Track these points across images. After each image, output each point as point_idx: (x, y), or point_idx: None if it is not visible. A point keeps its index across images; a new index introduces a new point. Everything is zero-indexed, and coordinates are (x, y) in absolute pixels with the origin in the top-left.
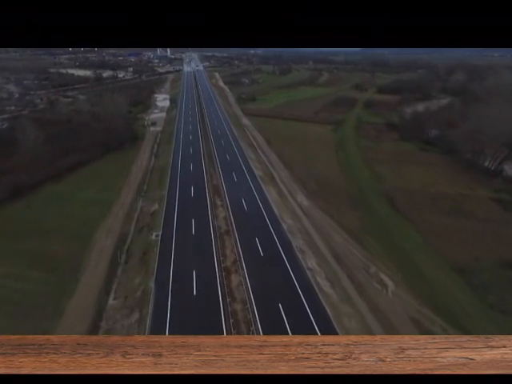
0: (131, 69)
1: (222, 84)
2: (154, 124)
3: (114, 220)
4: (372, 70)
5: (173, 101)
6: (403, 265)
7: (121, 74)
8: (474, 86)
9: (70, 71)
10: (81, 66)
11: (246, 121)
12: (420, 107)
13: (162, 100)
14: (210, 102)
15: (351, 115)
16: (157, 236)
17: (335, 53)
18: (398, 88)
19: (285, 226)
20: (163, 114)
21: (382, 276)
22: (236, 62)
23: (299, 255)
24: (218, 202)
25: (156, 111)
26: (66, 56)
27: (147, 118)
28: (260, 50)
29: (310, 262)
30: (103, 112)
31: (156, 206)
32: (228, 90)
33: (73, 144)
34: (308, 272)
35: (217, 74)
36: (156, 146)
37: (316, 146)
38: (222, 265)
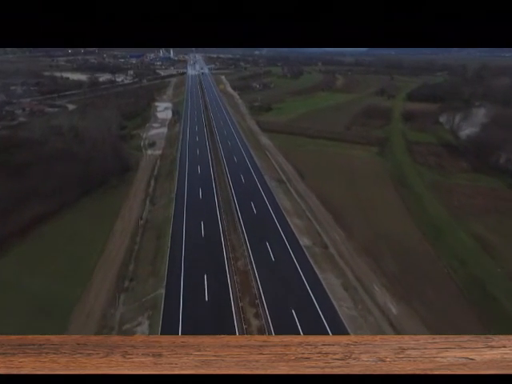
0: (131, 72)
1: (230, 89)
2: (152, 145)
3: None
4: (388, 73)
5: (176, 112)
6: None
7: (120, 78)
8: None
9: (65, 75)
10: (78, 69)
11: (265, 139)
12: (471, 120)
13: (164, 110)
14: (219, 113)
15: (393, 131)
16: None
17: (342, 53)
18: (430, 94)
19: None
20: (164, 130)
21: None
22: (242, 63)
23: None
24: (253, 321)
25: (156, 125)
26: (65, 58)
27: (144, 136)
28: (265, 51)
29: None
30: (89, 130)
31: (145, 326)
32: (238, 97)
33: (39, 182)
34: None
35: (223, 77)
36: (153, 182)
37: (366, 179)
38: None
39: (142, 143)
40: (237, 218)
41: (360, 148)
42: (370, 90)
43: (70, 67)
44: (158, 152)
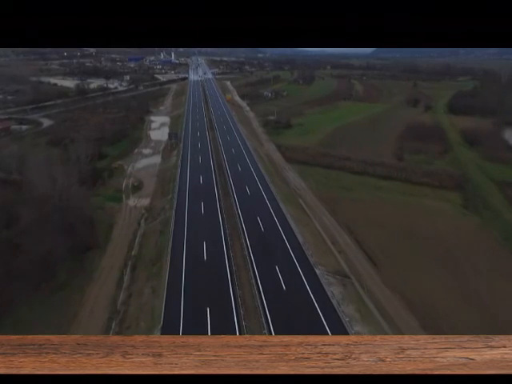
0: (128, 77)
1: (237, 98)
2: (137, 189)
3: None
4: (406, 78)
5: (173, 135)
6: None
7: (113, 84)
8: None
9: (54, 80)
10: (71, 74)
11: (294, 177)
12: None
13: (159, 128)
14: (229, 135)
15: (464, 163)
16: None
17: (346, 55)
18: (475, 106)
19: None
20: (157, 160)
21: None
22: (247, 67)
23: None
24: None
25: (147, 152)
26: (59, 61)
27: (129, 171)
28: (268, 53)
29: None
30: (47, 167)
31: None
32: (248, 109)
33: None
34: None
35: (228, 83)
36: (128, 278)
37: (481, 270)
38: None
39: (123, 184)
40: None
41: (433, 194)
42: (397, 99)
43: (62, 71)
44: (145, 202)
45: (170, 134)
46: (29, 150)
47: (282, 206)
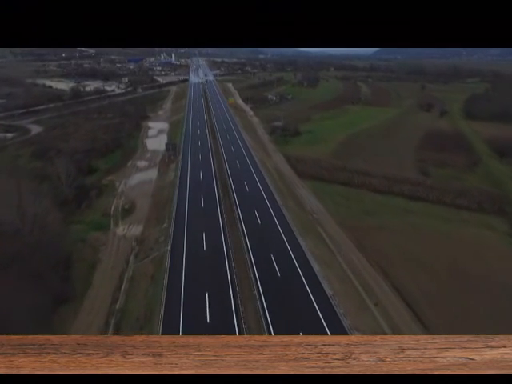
0: (126, 79)
1: (241, 102)
2: (128, 213)
3: None
4: (412, 80)
5: (171, 146)
6: None
7: (111, 87)
8: None
9: (50, 83)
10: (68, 75)
11: (308, 197)
12: None
13: (157, 135)
14: (233, 145)
15: (498, 179)
16: None
17: (347, 57)
18: (490, 111)
19: None
20: (152, 175)
21: None
22: (249, 68)
23: None
24: None
25: (142, 165)
26: (57, 63)
27: (121, 189)
28: (269, 54)
29: None
30: (15, 195)
31: None
32: (252, 113)
33: None
34: None
35: (230, 85)
36: None
37: None
38: None
39: (112, 206)
40: None
41: (473, 220)
42: (407, 103)
43: (59, 73)
44: (136, 231)
45: (167, 145)
46: (7, 164)
47: (299, 238)
